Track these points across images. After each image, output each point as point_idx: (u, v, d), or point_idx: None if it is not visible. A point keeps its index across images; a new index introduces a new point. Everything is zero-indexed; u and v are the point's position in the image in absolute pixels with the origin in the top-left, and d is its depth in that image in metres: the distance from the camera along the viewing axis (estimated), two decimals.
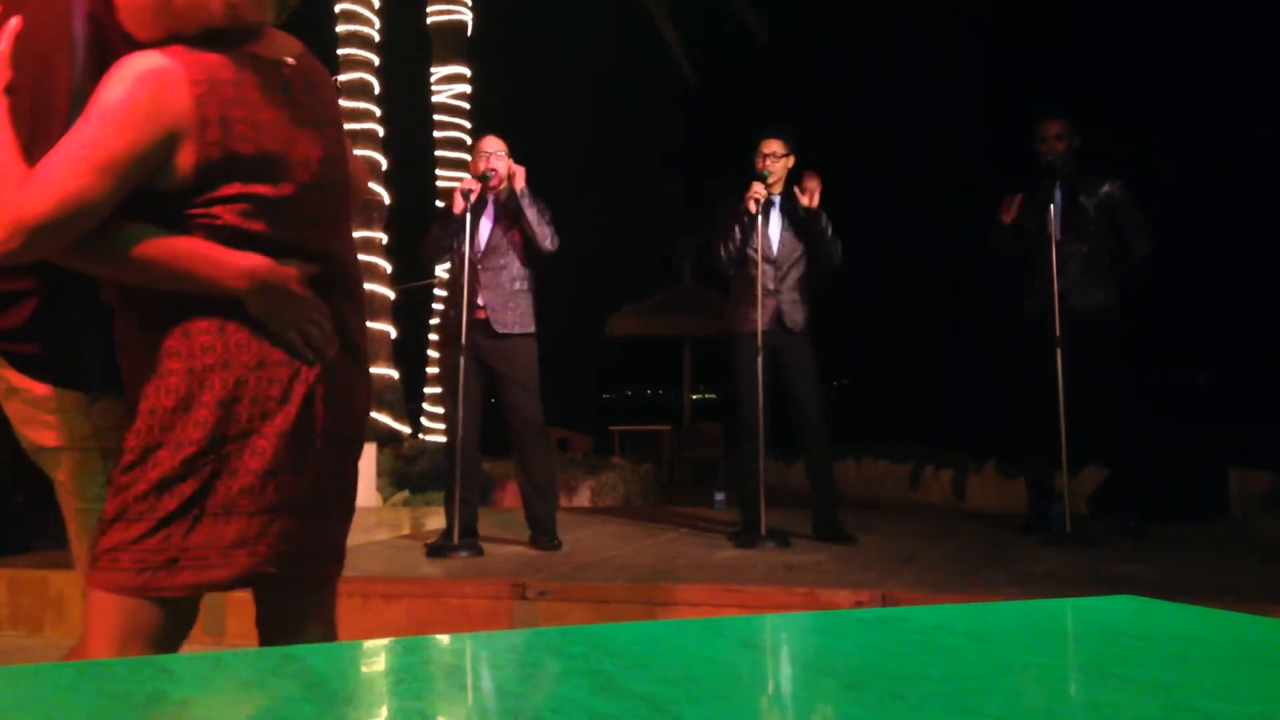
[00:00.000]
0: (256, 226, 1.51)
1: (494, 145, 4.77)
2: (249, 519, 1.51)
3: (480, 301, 4.65)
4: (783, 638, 1.01)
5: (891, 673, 0.82)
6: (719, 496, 6.69)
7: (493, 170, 4.69)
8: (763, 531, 4.67)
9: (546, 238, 4.65)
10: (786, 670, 0.89)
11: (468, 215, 4.58)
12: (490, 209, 4.76)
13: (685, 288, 12.66)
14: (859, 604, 3.55)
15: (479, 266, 4.65)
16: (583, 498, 7.68)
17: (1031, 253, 4.92)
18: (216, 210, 1.49)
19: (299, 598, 1.65)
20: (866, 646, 0.94)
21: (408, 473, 7.61)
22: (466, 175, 4.78)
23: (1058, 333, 4.64)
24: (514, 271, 4.71)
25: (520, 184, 4.62)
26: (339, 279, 1.61)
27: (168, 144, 1.45)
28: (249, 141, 1.49)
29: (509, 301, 4.68)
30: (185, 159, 1.47)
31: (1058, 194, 4.87)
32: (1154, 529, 4.90)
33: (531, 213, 4.60)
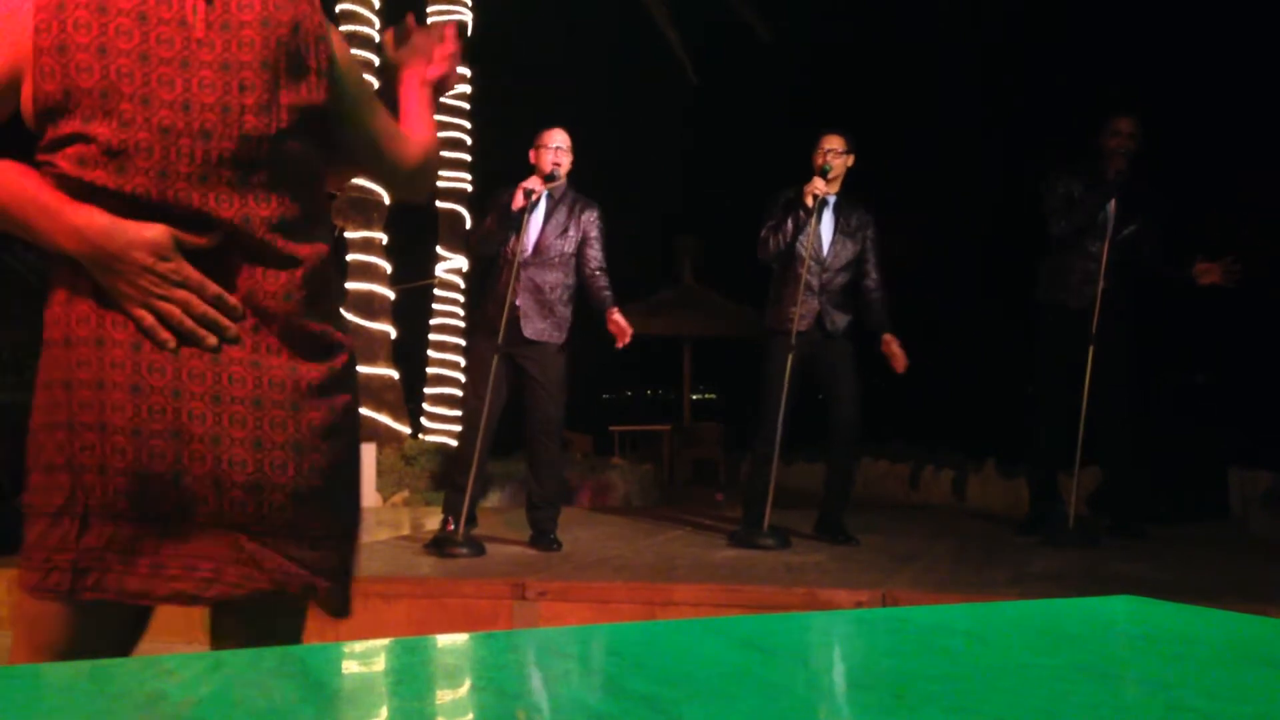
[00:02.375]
0: (94, 175, 1.28)
1: (561, 139, 4.67)
2: (134, 525, 1.31)
3: (517, 302, 4.58)
4: (783, 638, 1.01)
5: (892, 673, 0.82)
6: (719, 497, 6.69)
7: (558, 165, 4.60)
8: (765, 528, 4.66)
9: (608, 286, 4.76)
10: (787, 670, 0.89)
11: (525, 214, 4.51)
12: (543, 210, 4.65)
13: (685, 288, 12.66)
14: (859, 604, 3.55)
15: (522, 267, 4.58)
16: (583, 498, 7.68)
17: (1073, 249, 4.87)
18: (56, 156, 1.30)
19: (252, 625, 1.45)
20: (867, 647, 0.94)
21: (408, 473, 7.61)
22: (467, 176, 4.78)
23: (1094, 330, 4.60)
24: (555, 279, 4.64)
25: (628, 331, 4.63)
26: (243, 250, 1.36)
27: (12, 81, 1.30)
28: (90, 72, 1.28)
29: (544, 308, 4.62)
30: (26, 95, 1.30)
31: (1114, 200, 4.81)
32: (1154, 529, 4.90)
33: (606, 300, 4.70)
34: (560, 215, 4.66)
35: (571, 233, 4.66)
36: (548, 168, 4.59)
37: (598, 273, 4.70)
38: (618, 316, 4.62)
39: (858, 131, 4.89)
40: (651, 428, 12.60)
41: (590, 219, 4.69)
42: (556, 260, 4.64)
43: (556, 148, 4.64)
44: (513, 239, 4.54)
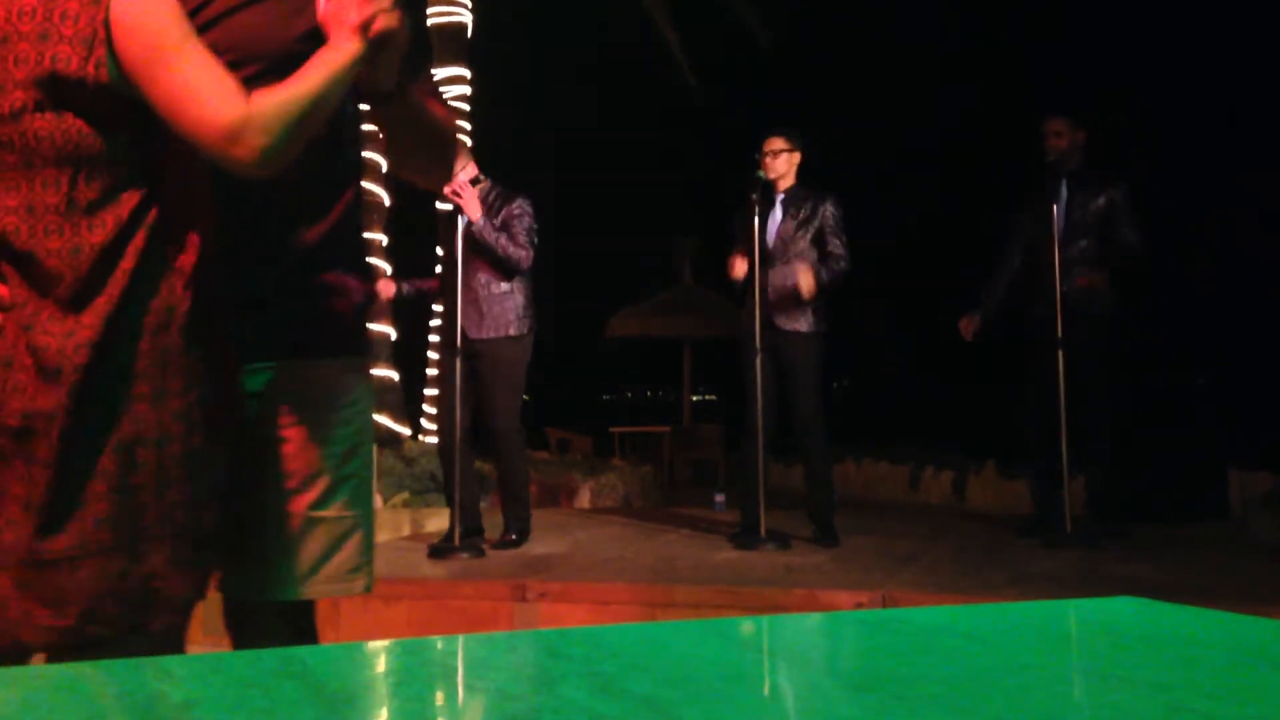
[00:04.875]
0: None
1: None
2: None
3: (460, 305, 4.69)
4: (783, 639, 1.01)
5: (892, 674, 0.82)
6: (719, 498, 6.69)
7: (478, 178, 4.73)
8: (762, 533, 4.67)
9: (516, 260, 4.67)
10: (787, 672, 0.88)
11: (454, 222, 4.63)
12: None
13: (685, 288, 12.66)
14: (859, 605, 3.54)
15: (459, 272, 4.69)
16: (582, 499, 7.67)
17: (1034, 253, 4.92)
18: None
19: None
20: (867, 648, 0.94)
21: (408, 474, 7.60)
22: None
23: (1060, 334, 4.64)
24: (485, 276, 4.72)
25: (475, 215, 4.59)
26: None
27: None
28: None
29: (485, 305, 4.70)
30: None
31: (1062, 192, 4.86)
32: (1154, 529, 4.90)
33: (493, 242, 4.62)
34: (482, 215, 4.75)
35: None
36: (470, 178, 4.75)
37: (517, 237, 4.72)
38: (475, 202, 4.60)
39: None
40: (651, 429, 12.60)
41: (512, 208, 4.75)
42: (484, 256, 4.70)
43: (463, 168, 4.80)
44: (453, 248, 4.67)
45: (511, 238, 4.69)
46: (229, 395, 1.44)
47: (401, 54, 1.49)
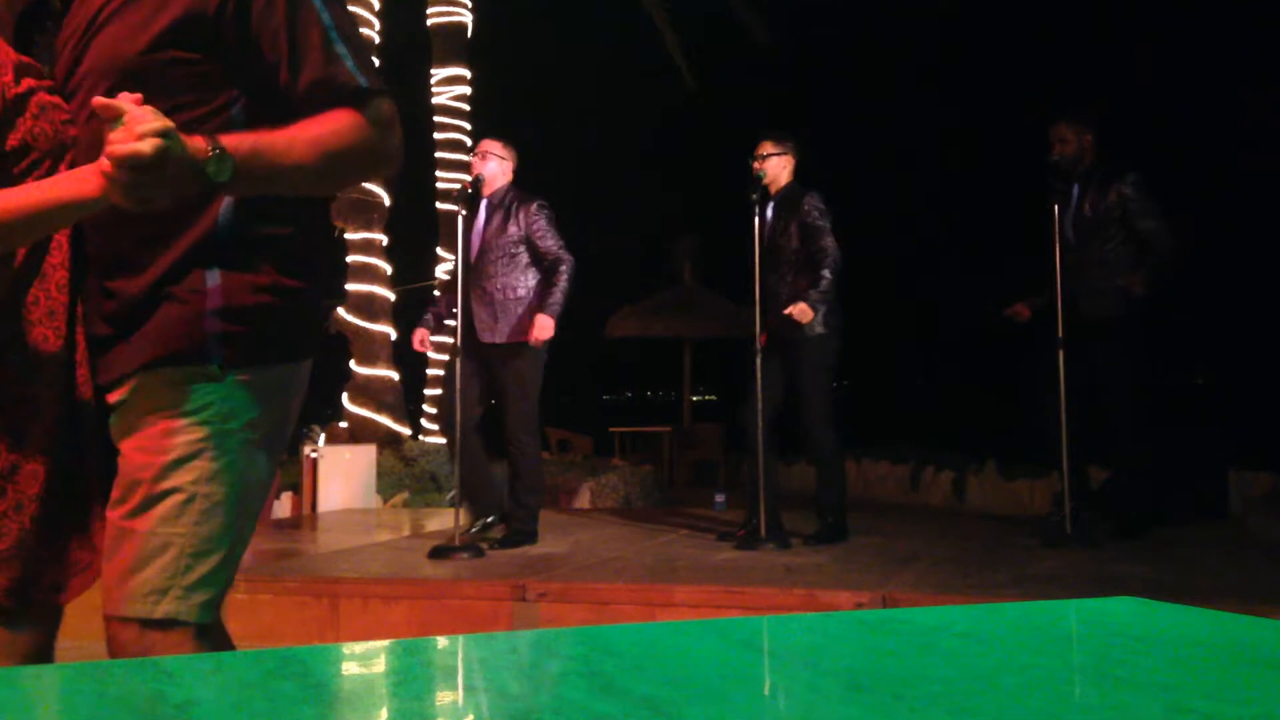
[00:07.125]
0: None
1: (481, 147, 4.83)
2: None
3: (473, 308, 4.67)
4: (783, 639, 1.01)
5: (892, 674, 0.82)
6: (719, 498, 6.69)
7: (475, 174, 4.73)
8: (763, 533, 4.67)
9: (568, 266, 4.69)
10: (786, 672, 0.88)
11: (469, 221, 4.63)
12: (482, 214, 4.77)
13: (685, 289, 12.66)
14: (859, 605, 3.54)
15: (472, 276, 4.68)
16: (583, 499, 7.67)
17: (1047, 256, 4.90)
18: None
19: None
20: (867, 648, 0.94)
21: (408, 474, 7.61)
22: (467, 177, 4.82)
23: (1060, 334, 4.64)
24: (502, 281, 4.69)
25: (546, 336, 4.58)
26: None
27: None
28: None
29: (495, 309, 4.68)
30: None
31: (1073, 195, 4.86)
32: (1154, 529, 4.89)
33: (562, 298, 4.64)
34: (497, 217, 4.74)
35: (511, 231, 4.71)
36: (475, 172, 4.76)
37: (550, 261, 4.69)
38: (539, 319, 4.58)
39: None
40: (651, 429, 12.59)
41: (528, 211, 4.73)
42: (499, 261, 4.69)
43: (475, 158, 4.80)
44: (461, 249, 4.66)
45: (545, 256, 4.68)
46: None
47: (182, 173, 1.30)
